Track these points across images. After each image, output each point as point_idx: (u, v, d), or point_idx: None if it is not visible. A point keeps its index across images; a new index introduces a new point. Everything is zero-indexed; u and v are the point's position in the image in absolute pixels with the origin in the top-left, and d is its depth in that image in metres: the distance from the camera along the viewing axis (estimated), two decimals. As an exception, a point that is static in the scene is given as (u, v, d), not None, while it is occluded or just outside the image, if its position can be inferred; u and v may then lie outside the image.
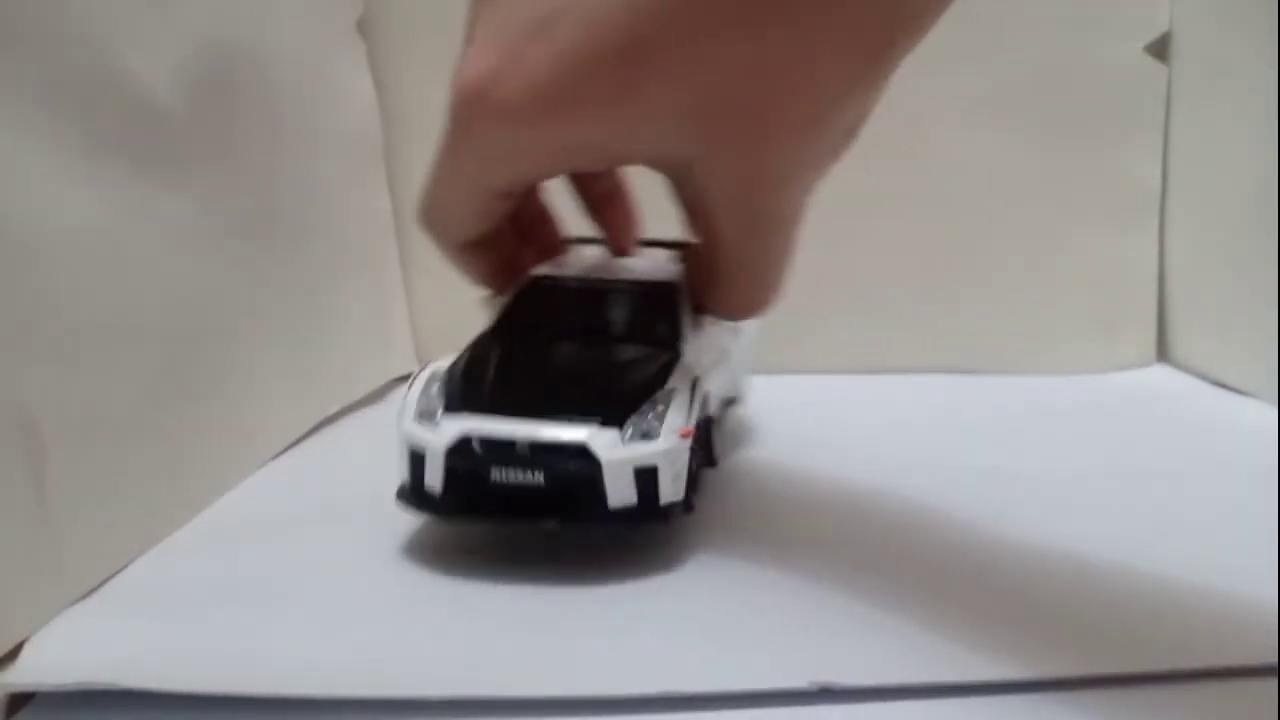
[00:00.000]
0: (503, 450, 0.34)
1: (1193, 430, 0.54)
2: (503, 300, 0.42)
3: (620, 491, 0.34)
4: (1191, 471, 0.46)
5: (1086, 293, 0.68)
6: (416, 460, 0.36)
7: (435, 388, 0.37)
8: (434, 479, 0.35)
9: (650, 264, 0.44)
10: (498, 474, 0.34)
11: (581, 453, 0.34)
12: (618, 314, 0.41)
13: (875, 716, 0.28)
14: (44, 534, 0.33)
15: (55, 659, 0.30)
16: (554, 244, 0.43)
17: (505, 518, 0.35)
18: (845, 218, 0.67)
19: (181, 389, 0.42)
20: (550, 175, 0.35)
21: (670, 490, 0.35)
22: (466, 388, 0.36)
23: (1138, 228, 0.68)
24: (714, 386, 0.42)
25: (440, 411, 0.36)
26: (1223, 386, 0.62)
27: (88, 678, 0.28)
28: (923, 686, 0.28)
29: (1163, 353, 0.69)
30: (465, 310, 0.44)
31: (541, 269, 0.43)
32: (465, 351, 0.39)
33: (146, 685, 0.28)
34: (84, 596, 0.34)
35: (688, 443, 0.36)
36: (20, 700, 0.29)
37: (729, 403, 0.49)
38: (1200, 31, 0.64)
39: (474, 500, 0.35)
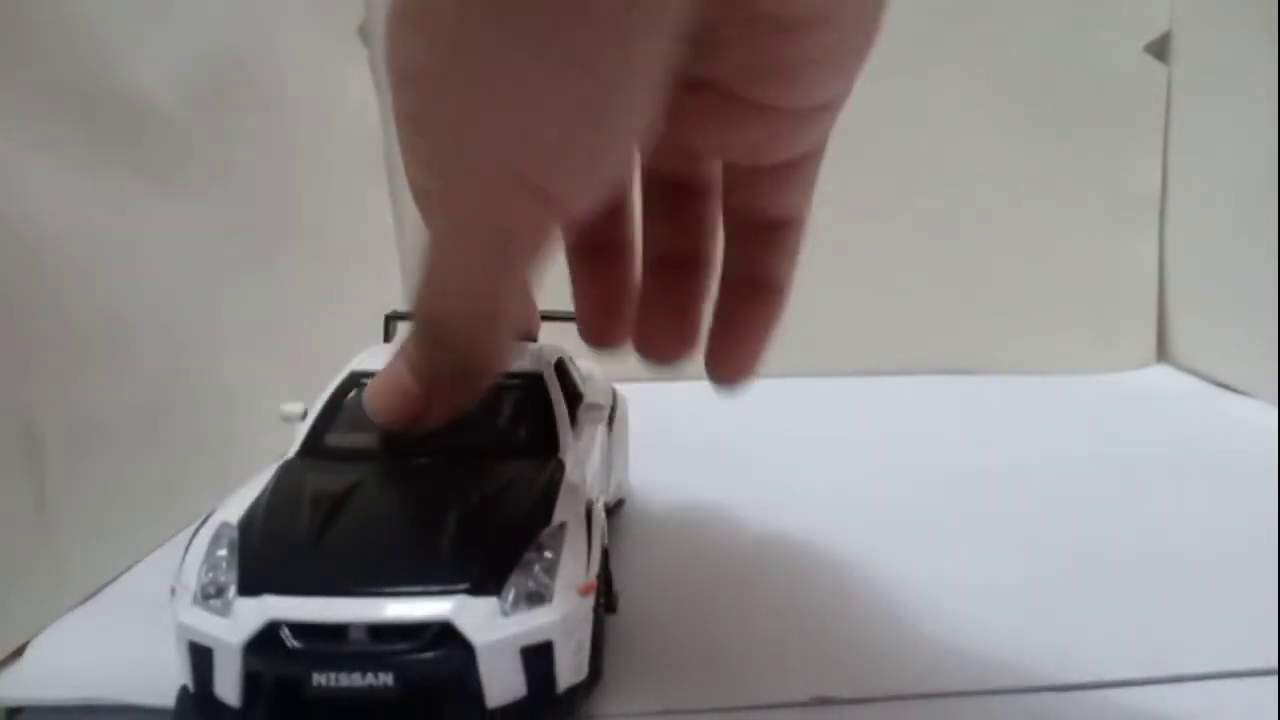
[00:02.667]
0: (329, 641, 0.24)
1: (1193, 430, 0.54)
2: (312, 410, 0.32)
3: (504, 684, 0.25)
4: (1191, 472, 0.46)
5: (1086, 293, 0.68)
6: (201, 659, 0.25)
7: (224, 552, 0.26)
8: (226, 687, 0.25)
9: None
10: (322, 678, 0.24)
11: (445, 635, 0.24)
12: (474, 419, 0.29)
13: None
14: (43, 539, 0.33)
15: (53, 671, 0.30)
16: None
17: None
18: (845, 218, 0.67)
19: (181, 395, 0.42)
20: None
21: (571, 670, 0.26)
22: (271, 554, 0.26)
23: (1138, 228, 0.68)
24: (602, 502, 0.33)
25: (233, 589, 0.25)
26: (1223, 386, 0.62)
27: (84, 693, 0.28)
28: (922, 695, 0.28)
29: (1163, 353, 0.69)
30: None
31: (360, 361, 0.34)
32: (265, 492, 0.29)
33: (141, 701, 0.28)
34: (83, 602, 0.34)
35: (590, 601, 0.27)
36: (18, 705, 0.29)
37: (610, 510, 0.38)
38: (1200, 31, 0.64)
39: (284, 716, 0.25)
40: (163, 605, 0.34)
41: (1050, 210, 0.67)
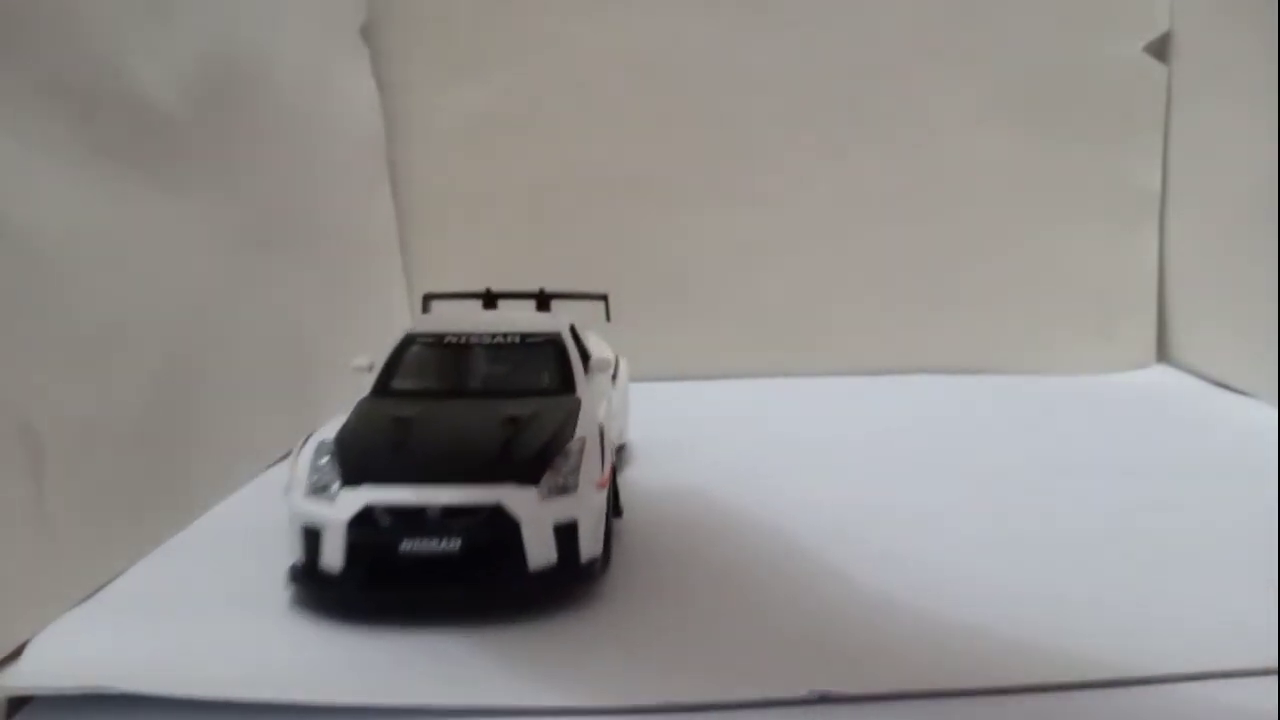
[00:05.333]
0: (412, 519, 0.32)
1: (1193, 430, 0.54)
2: (377, 364, 0.41)
3: (541, 551, 0.33)
4: (1191, 472, 0.46)
5: (1086, 293, 0.68)
6: (312, 538, 0.33)
7: (325, 460, 0.34)
8: (333, 556, 0.33)
9: (525, 318, 0.44)
10: (408, 545, 0.32)
11: (498, 514, 0.32)
12: (506, 367, 0.40)
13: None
14: (43, 538, 0.33)
15: (54, 662, 0.30)
16: None
17: (414, 589, 0.33)
18: (845, 218, 0.68)
19: (181, 395, 0.42)
20: None
21: (590, 545, 0.34)
22: (361, 457, 0.34)
23: (1138, 228, 0.68)
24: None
25: (337, 484, 0.33)
26: (1223, 386, 0.62)
27: (86, 681, 0.28)
28: (923, 693, 0.28)
29: (1163, 353, 0.69)
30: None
31: (414, 326, 0.42)
32: (351, 418, 0.37)
33: (143, 689, 0.28)
34: (83, 600, 0.34)
35: (604, 494, 0.35)
36: (19, 702, 0.29)
37: (618, 450, 0.47)
38: (1200, 31, 0.64)
39: (379, 574, 0.33)
40: (163, 604, 0.34)
41: (1050, 210, 0.67)
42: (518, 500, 0.33)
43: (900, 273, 0.68)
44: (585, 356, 0.43)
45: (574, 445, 0.35)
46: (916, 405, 0.61)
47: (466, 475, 0.33)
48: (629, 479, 0.46)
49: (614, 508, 0.38)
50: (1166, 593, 0.34)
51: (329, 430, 0.36)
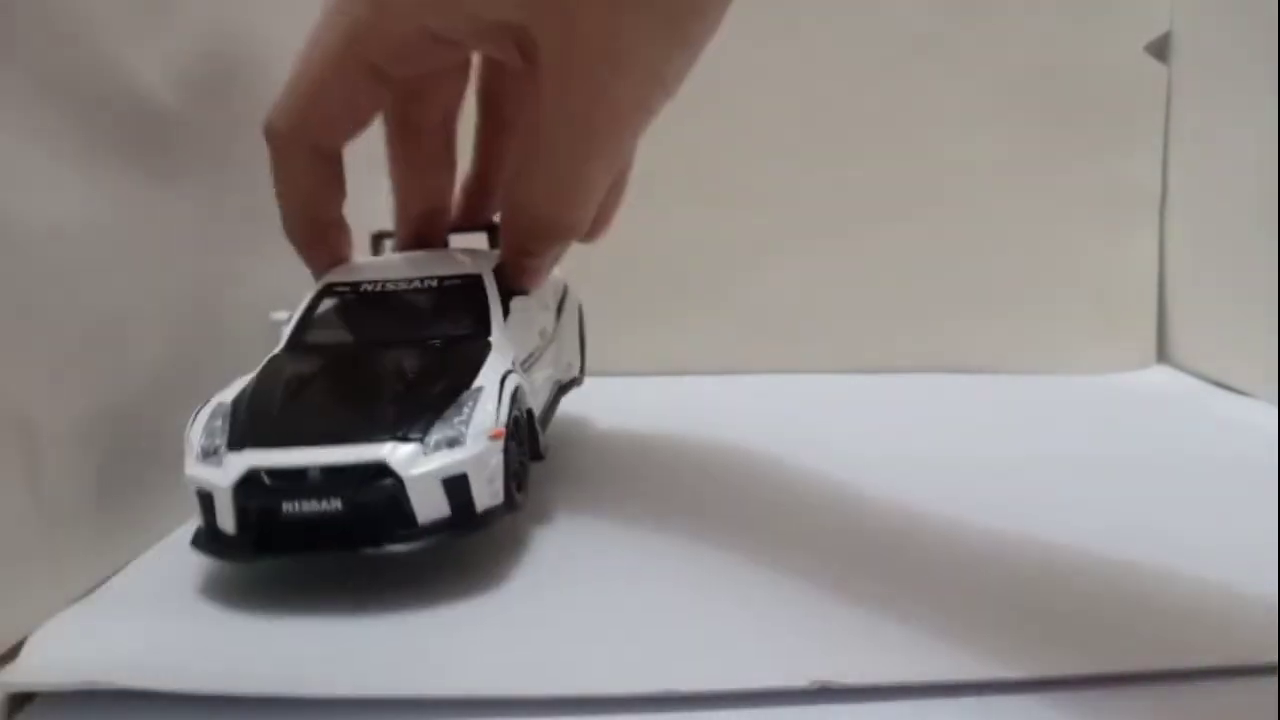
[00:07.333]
0: (293, 480, 0.32)
1: (1193, 430, 0.54)
2: (294, 315, 0.40)
3: (430, 505, 0.32)
4: (1191, 471, 0.46)
5: (1086, 293, 0.68)
6: (206, 502, 0.33)
7: (219, 423, 0.34)
8: (226, 520, 0.33)
9: (452, 259, 0.43)
10: (290, 506, 0.32)
11: (381, 471, 0.32)
12: (419, 316, 0.39)
13: (875, 716, 0.28)
14: (42, 534, 0.33)
15: (55, 659, 0.30)
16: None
17: (305, 551, 0.33)
18: (845, 217, 0.68)
19: (180, 389, 0.41)
20: (408, 49, 0.36)
21: (486, 495, 0.33)
22: (252, 420, 0.34)
23: (1138, 228, 0.68)
24: (539, 375, 0.42)
25: (224, 448, 0.33)
26: (1223, 386, 0.62)
27: (87, 678, 0.28)
28: (922, 685, 0.28)
29: (1163, 353, 0.69)
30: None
31: (333, 275, 0.41)
32: (254, 378, 0.36)
33: (146, 685, 0.28)
34: (83, 596, 0.34)
35: (500, 444, 0.34)
36: (20, 700, 0.29)
37: (563, 386, 0.48)
38: (1200, 31, 0.64)
39: (268, 537, 0.32)
40: (163, 599, 0.34)
41: (1050, 210, 0.67)
42: (400, 457, 0.32)
43: (899, 272, 0.68)
44: (514, 294, 0.41)
45: (468, 395, 0.34)
46: (915, 404, 0.61)
47: (351, 433, 0.33)
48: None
49: (532, 451, 0.38)
50: (1165, 591, 0.34)
51: (231, 391, 0.35)
